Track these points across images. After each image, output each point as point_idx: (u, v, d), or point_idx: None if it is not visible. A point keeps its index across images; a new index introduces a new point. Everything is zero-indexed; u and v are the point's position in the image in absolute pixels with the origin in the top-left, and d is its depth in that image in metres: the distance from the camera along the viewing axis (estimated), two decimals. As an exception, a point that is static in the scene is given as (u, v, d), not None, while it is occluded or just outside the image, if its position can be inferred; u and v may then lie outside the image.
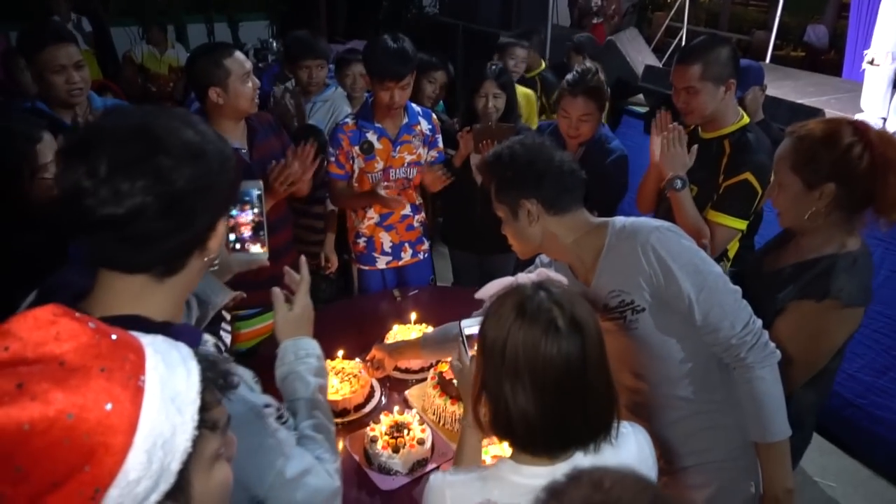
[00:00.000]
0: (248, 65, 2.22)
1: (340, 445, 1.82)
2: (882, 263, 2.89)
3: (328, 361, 2.05)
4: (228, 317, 1.52)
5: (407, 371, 2.13)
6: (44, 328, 0.59)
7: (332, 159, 2.62)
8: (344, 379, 1.97)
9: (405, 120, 2.65)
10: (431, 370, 2.04)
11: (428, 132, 2.73)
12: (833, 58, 7.97)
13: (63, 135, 1.97)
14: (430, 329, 2.25)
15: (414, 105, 2.72)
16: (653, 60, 4.89)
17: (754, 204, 2.08)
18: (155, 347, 0.65)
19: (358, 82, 3.54)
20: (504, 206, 1.57)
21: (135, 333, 0.66)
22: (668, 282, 1.40)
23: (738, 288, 1.44)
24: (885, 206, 1.44)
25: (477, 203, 2.97)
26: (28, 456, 0.53)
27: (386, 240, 2.82)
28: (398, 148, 2.64)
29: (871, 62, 3.71)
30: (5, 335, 0.59)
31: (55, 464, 0.54)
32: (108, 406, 0.57)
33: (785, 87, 4.38)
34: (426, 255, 2.98)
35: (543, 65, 4.40)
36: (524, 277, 1.17)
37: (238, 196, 1.20)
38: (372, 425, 1.80)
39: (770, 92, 4.01)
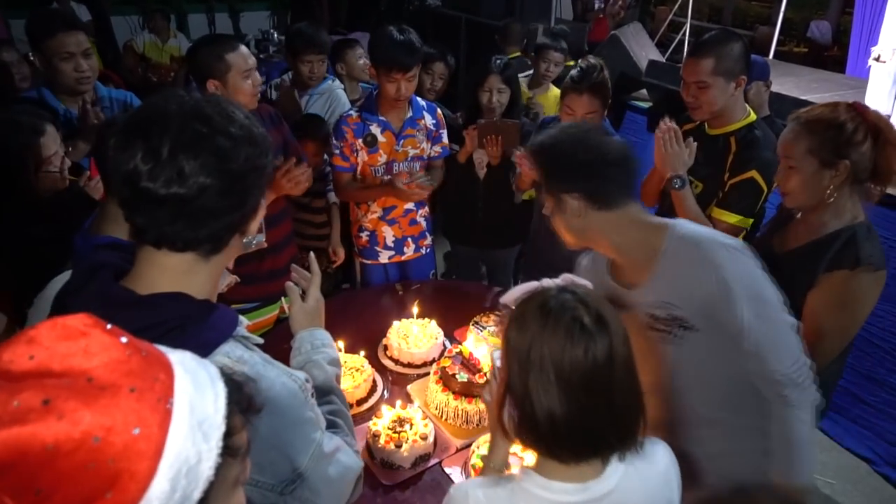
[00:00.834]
0: (252, 61, 2.20)
1: (343, 439, 1.83)
2: (887, 262, 2.88)
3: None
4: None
5: (409, 365, 2.13)
6: (73, 339, 0.57)
7: (337, 152, 2.61)
8: (346, 373, 1.97)
9: (409, 114, 2.64)
10: (434, 365, 2.04)
11: (432, 127, 2.72)
12: (837, 54, 7.95)
13: (112, 118, 1.96)
14: (432, 323, 2.25)
15: (419, 99, 2.71)
16: (656, 55, 4.86)
17: (759, 201, 2.08)
18: (185, 366, 0.62)
19: (355, 69, 3.56)
20: (549, 197, 1.49)
21: (163, 349, 0.63)
22: (726, 304, 1.34)
23: (795, 321, 1.41)
24: (885, 176, 1.58)
25: (479, 198, 2.97)
26: (50, 478, 0.50)
27: (389, 234, 2.81)
28: (402, 142, 2.63)
29: (878, 59, 3.69)
30: (31, 343, 0.56)
31: (77, 488, 0.51)
32: (136, 430, 0.54)
33: (788, 83, 4.35)
34: (429, 249, 2.97)
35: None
36: (549, 282, 1.15)
37: None
38: (375, 420, 1.80)
39: (774, 88, 3.99)
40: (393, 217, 2.79)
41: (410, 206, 2.79)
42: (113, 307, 0.86)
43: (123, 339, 0.60)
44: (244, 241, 1.23)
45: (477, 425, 1.87)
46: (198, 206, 0.87)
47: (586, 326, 0.99)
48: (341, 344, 2.08)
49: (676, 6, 6.47)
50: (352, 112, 2.62)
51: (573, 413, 0.99)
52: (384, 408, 1.84)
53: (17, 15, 5.80)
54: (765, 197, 2.07)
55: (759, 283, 1.38)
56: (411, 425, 1.78)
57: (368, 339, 2.25)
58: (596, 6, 7.58)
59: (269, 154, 0.97)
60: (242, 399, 0.66)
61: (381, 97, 2.56)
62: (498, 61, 2.84)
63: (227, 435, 0.62)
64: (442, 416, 1.90)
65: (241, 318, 1.01)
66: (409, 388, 2.04)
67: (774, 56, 5.61)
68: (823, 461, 2.94)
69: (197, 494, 0.59)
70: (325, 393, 1.24)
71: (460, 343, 2.06)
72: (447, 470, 1.73)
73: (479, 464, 1.66)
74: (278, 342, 1.49)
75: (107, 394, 0.54)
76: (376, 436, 1.74)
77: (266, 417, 0.81)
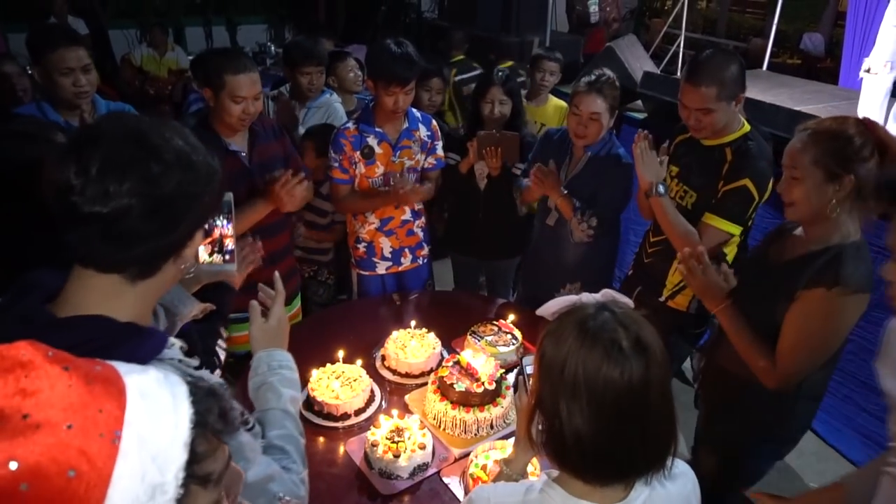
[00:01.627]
0: (252, 91, 2.19)
1: (342, 450, 1.83)
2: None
3: (328, 365, 2.05)
4: (225, 334, 1.53)
5: (407, 375, 2.13)
6: (11, 371, 0.53)
7: (336, 165, 2.62)
8: (344, 383, 1.97)
9: (405, 125, 2.66)
10: (432, 375, 2.04)
11: (426, 138, 2.74)
12: (829, 66, 8.00)
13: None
14: (431, 335, 2.25)
15: (414, 110, 2.73)
16: (651, 67, 4.90)
17: (750, 210, 2.09)
18: (142, 391, 0.57)
19: (346, 81, 3.62)
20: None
21: (123, 370, 0.59)
22: None
23: None
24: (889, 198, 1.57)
25: (479, 209, 2.98)
26: None
27: (386, 245, 2.82)
28: (398, 153, 2.65)
29: (868, 71, 3.72)
30: None
31: None
32: (71, 473, 0.50)
33: (782, 94, 4.39)
34: (426, 260, 2.98)
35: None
36: (588, 297, 1.12)
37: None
38: (373, 429, 1.80)
39: (767, 99, 4.03)
40: (390, 228, 2.79)
41: (407, 216, 2.80)
42: (31, 329, 0.85)
43: (66, 367, 0.55)
44: (213, 268, 1.22)
45: (475, 435, 1.87)
46: (122, 227, 0.86)
47: (624, 349, 0.97)
48: (340, 354, 2.08)
49: (671, 18, 6.52)
50: (349, 125, 2.63)
51: (602, 436, 0.97)
52: (382, 418, 1.84)
53: (15, 29, 5.83)
54: (756, 206, 2.08)
55: None
56: (409, 435, 1.78)
57: (366, 350, 2.26)
58: (591, 19, 7.64)
59: (210, 183, 0.95)
60: (214, 421, 0.62)
61: (378, 109, 2.57)
62: (500, 73, 2.86)
63: (194, 462, 0.58)
64: (440, 426, 1.90)
65: (174, 340, 0.99)
66: (407, 398, 2.04)
67: (768, 67, 5.65)
68: (821, 470, 2.94)
69: None
70: (279, 418, 1.22)
71: (458, 353, 2.06)
72: (445, 479, 1.73)
73: (480, 473, 1.66)
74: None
75: (41, 432, 0.50)
76: (374, 445, 1.74)
77: None
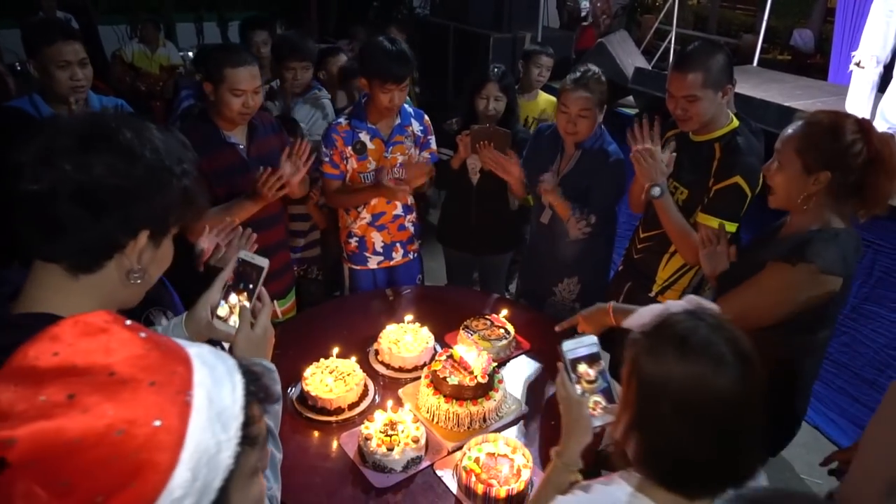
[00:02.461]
0: (251, 85, 2.23)
1: (335, 444, 1.83)
2: (874, 265, 2.96)
3: (322, 360, 2.06)
4: None
5: (401, 370, 2.14)
6: (94, 335, 0.58)
7: (327, 159, 2.62)
8: (338, 378, 1.98)
9: (398, 121, 2.66)
10: (425, 369, 2.05)
11: (420, 133, 2.75)
12: (819, 61, 8.04)
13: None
14: (424, 329, 2.26)
15: (407, 106, 2.73)
16: (642, 63, 4.91)
17: (744, 206, 2.11)
18: (203, 360, 0.64)
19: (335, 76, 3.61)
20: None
21: (183, 343, 0.65)
22: None
23: None
24: (870, 201, 1.57)
25: (472, 204, 2.99)
26: (75, 470, 0.52)
27: (378, 240, 2.83)
28: (391, 148, 2.65)
29: (858, 64, 3.76)
30: (55, 340, 0.58)
31: (102, 480, 0.53)
32: (157, 423, 0.56)
33: (772, 90, 4.42)
34: (416, 255, 2.99)
35: None
36: (675, 305, 1.09)
37: (239, 267, 1.23)
38: (366, 423, 1.81)
39: (758, 95, 4.06)
40: (382, 223, 2.80)
41: (399, 211, 2.81)
42: None
43: (142, 335, 0.62)
44: (222, 327, 1.19)
45: (468, 428, 1.88)
46: (51, 211, 0.88)
47: (727, 361, 0.95)
48: (334, 351, 2.09)
49: (662, 14, 6.53)
50: (341, 120, 2.64)
51: (705, 451, 0.96)
52: (376, 412, 1.85)
53: (3, 25, 5.79)
54: (749, 201, 2.10)
55: None
56: (403, 429, 1.79)
57: (359, 344, 2.26)
58: (582, 14, 7.64)
59: (159, 184, 0.94)
60: (260, 389, 0.67)
61: (371, 105, 2.58)
62: (496, 70, 2.87)
63: (246, 424, 0.64)
64: (433, 419, 1.91)
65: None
66: (401, 391, 2.05)
67: (758, 63, 5.68)
68: (811, 462, 2.97)
69: (217, 483, 0.60)
70: None
71: (451, 347, 2.07)
72: (439, 472, 1.74)
73: (473, 466, 1.67)
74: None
75: (128, 388, 0.56)
76: (368, 439, 1.75)
77: None
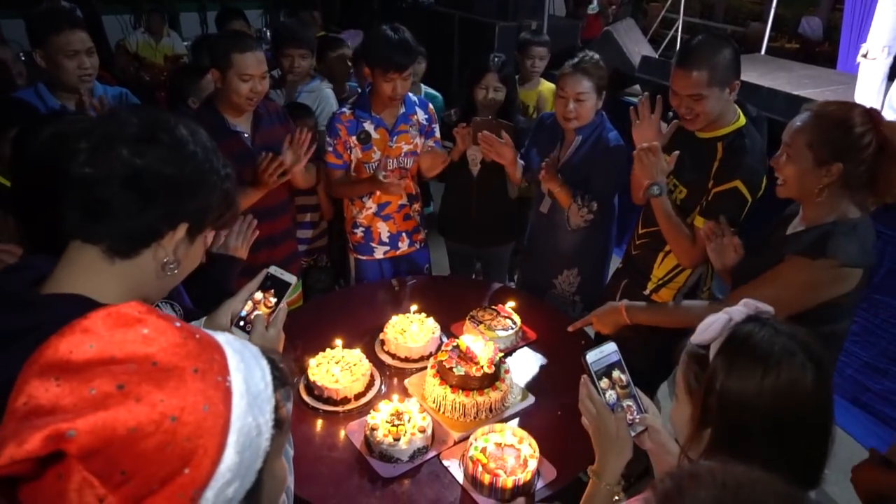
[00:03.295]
0: (258, 70, 2.25)
1: (342, 434, 1.84)
2: (884, 256, 2.96)
3: (328, 350, 2.06)
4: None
5: (407, 360, 2.14)
6: (129, 326, 0.58)
7: (330, 149, 2.61)
8: (344, 368, 1.98)
9: (402, 110, 2.65)
10: (431, 359, 2.05)
11: (424, 122, 2.73)
12: (827, 49, 7.98)
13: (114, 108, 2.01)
14: (430, 319, 2.26)
15: (411, 95, 2.72)
16: (649, 51, 4.88)
17: (743, 211, 2.04)
18: (232, 346, 0.65)
19: (336, 67, 3.61)
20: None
21: (212, 333, 0.66)
22: None
23: None
24: (881, 190, 1.57)
25: (473, 195, 2.98)
26: (133, 459, 0.52)
27: (384, 230, 2.82)
28: (395, 138, 2.64)
29: (865, 55, 3.72)
30: (87, 332, 0.57)
31: (158, 467, 0.53)
32: (205, 408, 0.57)
33: (780, 78, 4.39)
34: (423, 244, 2.99)
35: None
36: (736, 312, 1.04)
37: (267, 280, 1.25)
38: (373, 413, 1.81)
39: (766, 83, 4.04)
40: (388, 213, 2.79)
41: (404, 201, 2.80)
42: (6, 304, 0.90)
43: (177, 324, 0.62)
44: (240, 335, 1.20)
45: (474, 418, 1.88)
46: (100, 194, 0.91)
47: (808, 366, 0.94)
48: (339, 342, 2.09)
49: (669, 3, 6.49)
50: (345, 109, 2.63)
51: (791, 462, 0.94)
52: (382, 402, 1.86)
53: (5, 15, 5.78)
54: (748, 206, 2.02)
55: None
56: (409, 419, 1.79)
57: (366, 335, 2.26)
58: (589, 10, 7.59)
59: (205, 182, 0.99)
60: (282, 375, 0.68)
61: (375, 95, 2.56)
62: (496, 59, 2.85)
63: (276, 408, 0.65)
64: (439, 410, 1.91)
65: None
66: (407, 382, 2.05)
67: (766, 52, 5.64)
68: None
69: (258, 465, 0.62)
70: None
71: (457, 337, 2.07)
72: (445, 462, 1.74)
73: (479, 456, 1.67)
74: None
75: (174, 376, 0.57)
76: (374, 429, 1.75)
77: None
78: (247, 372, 0.63)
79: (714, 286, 2.40)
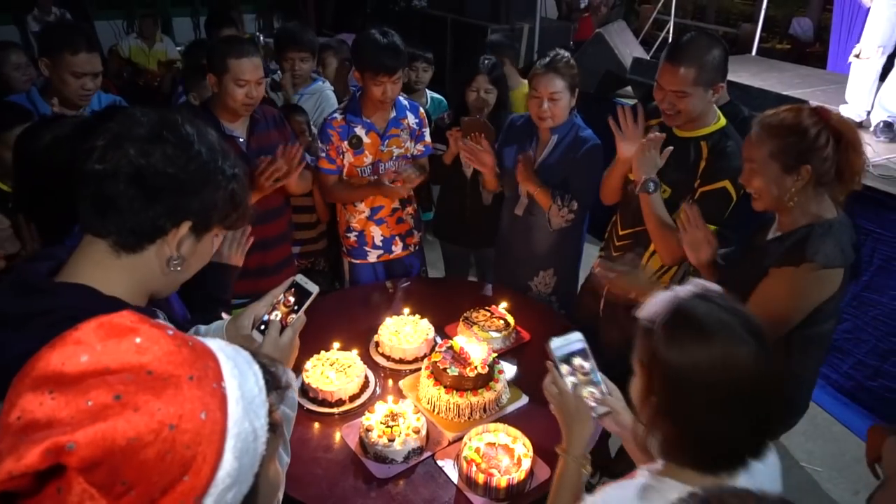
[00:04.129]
0: (254, 76, 2.26)
1: (337, 435, 1.84)
2: (873, 254, 2.97)
3: (323, 353, 2.07)
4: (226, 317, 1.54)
5: (401, 361, 2.15)
6: (121, 336, 0.59)
7: (323, 154, 2.62)
8: (339, 370, 1.99)
9: (393, 114, 2.66)
10: (426, 360, 2.06)
11: (415, 126, 2.74)
12: (818, 50, 8.03)
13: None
14: (424, 321, 2.27)
15: (402, 98, 2.73)
16: (641, 53, 4.90)
17: (728, 209, 2.07)
18: (224, 352, 0.65)
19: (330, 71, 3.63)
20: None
21: (204, 340, 0.66)
22: None
23: None
24: (849, 179, 1.61)
25: (467, 197, 2.98)
26: (133, 469, 0.52)
27: (377, 234, 2.83)
28: (386, 142, 2.65)
29: (858, 55, 3.74)
30: (79, 344, 0.57)
31: (158, 476, 0.54)
32: (203, 415, 0.57)
33: (771, 79, 4.41)
34: (416, 247, 2.99)
35: None
36: (682, 290, 1.08)
37: (291, 288, 1.25)
38: (367, 415, 1.82)
39: (756, 84, 4.06)
40: (381, 217, 2.80)
41: (397, 204, 2.81)
42: (15, 292, 0.95)
43: (170, 332, 0.62)
44: (256, 337, 1.21)
45: (468, 418, 1.89)
46: (109, 190, 0.94)
47: (746, 339, 0.98)
48: (336, 344, 2.09)
49: (660, 4, 6.52)
50: (336, 115, 2.63)
51: (735, 431, 0.99)
52: (377, 403, 1.86)
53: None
54: (734, 204, 2.06)
55: None
56: (404, 419, 1.80)
57: (360, 337, 2.27)
58: (581, 5, 7.63)
59: (209, 179, 1.00)
60: (273, 379, 0.69)
61: (365, 99, 2.57)
62: (486, 61, 2.86)
63: (269, 412, 0.65)
64: (434, 410, 1.92)
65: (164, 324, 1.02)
66: (402, 383, 2.06)
67: (757, 53, 5.67)
68: (810, 450, 2.99)
69: (255, 469, 0.62)
70: None
71: (451, 338, 2.08)
72: (440, 462, 1.75)
73: (474, 456, 1.68)
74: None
75: (170, 384, 0.57)
76: (369, 430, 1.76)
77: None
78: (241, 378, 0.63)
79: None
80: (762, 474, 1.04)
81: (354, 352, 2.08)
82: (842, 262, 1.60)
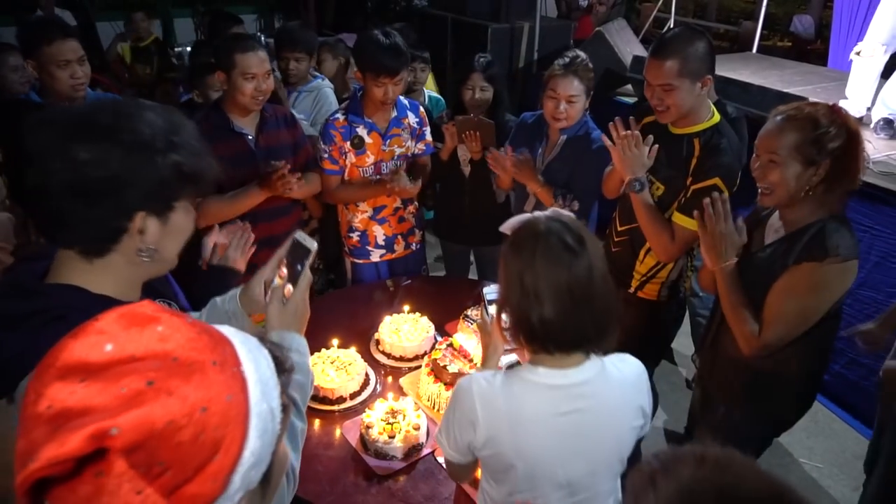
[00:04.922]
0: (261, 69, 2.29)
1: (338, 432, 1.86)
2: (871, 250, 2.96)
3: (323, 350, 2.08)
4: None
5: (402, 359, 2.16)
6: (143, 325, 0.60)
7: (326, 155, 2.62)
8: (339, 367, 2.00)
9: (394, 113, 2.67)
10: (426, 357, 2.07)
11: (416, 125, 2.75)
12: (819, 47, 8.01)
13: None
14: (424, 319, 2.28)
15: (402, 98, 2.73)
16: (641, 51, 4.89)
17: None
18: (238, 339, 0.67)
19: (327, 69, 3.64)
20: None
21: (216, 327, 0.68)
22: None
23: None
24: (853, 178, 1.63)
25: (465, 195, 2.99)
26: (170, 451, 0.55)
27: (379, 233, 2.84)
28: (388, 141, 2.66)
29: (859, 53, 3.73)
30: (102, 334, 0.59)
31: (192, 457, 0.56)
32: (228, 397, 0.60)
33: (772, 76, 4.41)
34: (419, 245, 3.00)
35: None
36: (539, 213, 1.28)
37: (292, 247, 1.24)
38: (368, 412, 1.83)
39: (757, 81, 4.05)
40: (383, 216, 2.81)
41: (399, 203, 2.82)
42: (9, 294, 0.96)
43: (189, 320, 0.64)
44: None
45: (468, 416, 1.90)
46: (51, 205, 0.93)
47: (570, 246, 1.17)
48: (335, 341, 2.10)
49: (660, 2, 6.51)
50: (338, 115, 2.63)
51: (561, 316, 1.18)
52: (377, 401, 1.87)
53: (2, 22, 5.79)
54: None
55: None
56: (404, 417, 1.81)
57: (361, 335, 2.28)
58: (581, 4, 7.61)
59: (144, 161, 0.96)
60: (279, 362, 0.71)
61: (367, 99, 2.58)
62: (481, 59, 2.86)
63: (280, 393, 0.68)
64: (434, 407, 1.93)
65: None
66: (402, 380, 2.07)
67: (758, 50, 5.66)
68: (810, 446, 2.99)
69: (273, 447, 0.65)
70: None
71: (451, 336, 2.09)
72: (439, 459, 1.76)
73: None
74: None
75: (196, 370, 0.59)
76: (370, 427, 1.77)
77: None
78: (255, 362, 0.66)
79: (694, 279, 2.42)
80: (612, 374, 1.27)
81: (354, 349, 2.10)
82: (857, 254, 1.63)
